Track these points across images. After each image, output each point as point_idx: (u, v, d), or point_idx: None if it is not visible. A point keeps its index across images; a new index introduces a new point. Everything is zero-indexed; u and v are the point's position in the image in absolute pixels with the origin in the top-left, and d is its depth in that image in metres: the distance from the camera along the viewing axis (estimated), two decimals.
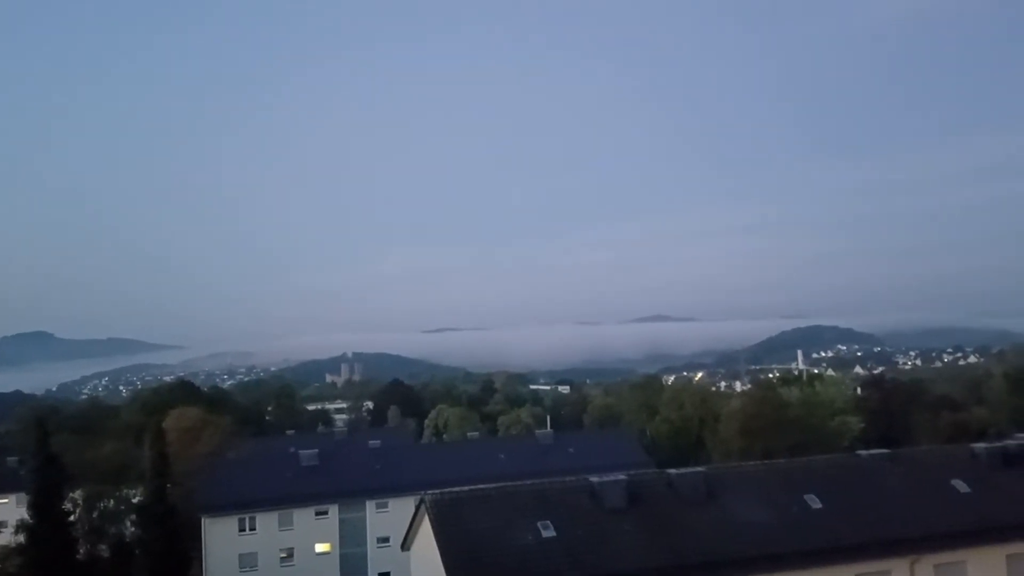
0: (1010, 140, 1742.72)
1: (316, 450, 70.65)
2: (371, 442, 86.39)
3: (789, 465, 40.95)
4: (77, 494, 67.26)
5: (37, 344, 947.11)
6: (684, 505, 34.23)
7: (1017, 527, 35.38)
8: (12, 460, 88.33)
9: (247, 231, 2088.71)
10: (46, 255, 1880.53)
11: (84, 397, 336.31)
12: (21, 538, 62.18)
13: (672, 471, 37.51)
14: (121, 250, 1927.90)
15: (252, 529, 63.18)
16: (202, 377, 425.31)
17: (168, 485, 66.52)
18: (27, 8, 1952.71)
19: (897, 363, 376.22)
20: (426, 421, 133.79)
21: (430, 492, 33.73)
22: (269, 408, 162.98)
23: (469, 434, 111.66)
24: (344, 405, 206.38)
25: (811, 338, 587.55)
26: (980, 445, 41.81)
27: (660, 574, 30.90)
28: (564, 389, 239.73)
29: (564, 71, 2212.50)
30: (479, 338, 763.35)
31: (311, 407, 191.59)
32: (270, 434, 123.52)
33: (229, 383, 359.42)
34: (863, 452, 42.95)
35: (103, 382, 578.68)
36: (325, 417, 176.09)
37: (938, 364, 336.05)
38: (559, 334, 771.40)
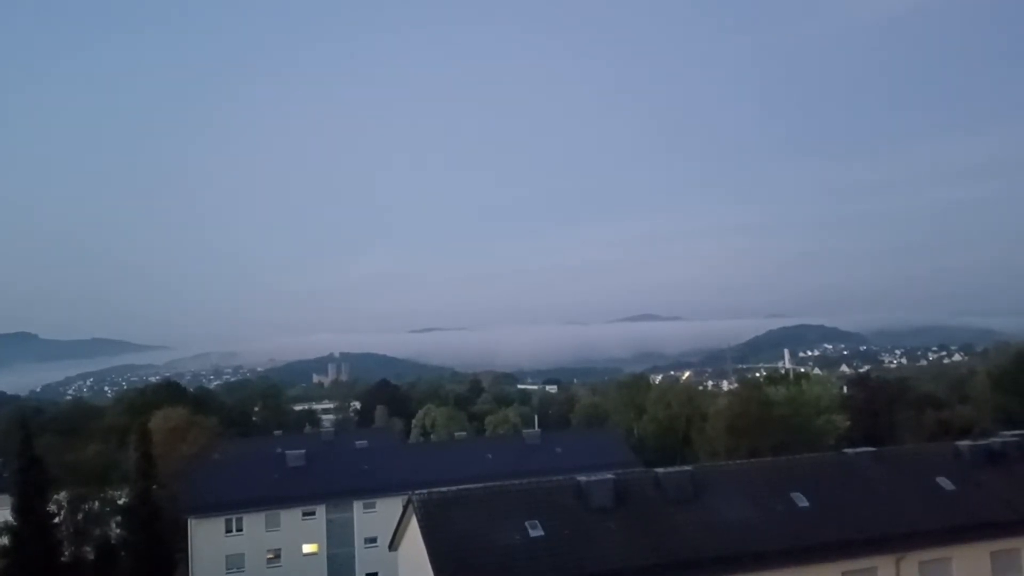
0: (992, 140, 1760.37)
1: (303, 450, 70.37)
2: (358, 442, 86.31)
3: (775, 464, 41.21)
4: (61, 496, 66.74)
5: (20, 345, 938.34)
6: (671, 504, 34.32)
7: (1001, 524, 35.72)
8: None
9: (233, 231, 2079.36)
10: (29, 255, 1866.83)
11: (68, 398, 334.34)
12: (5, 540, 61.66)
13: (659, 470, 37.64)
14: (105, 250, 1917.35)
15: (239, 530, 62.83)
16: (188, 378, 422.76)
17: (153, 486, 66.22)
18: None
19: (883, 362, 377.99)
20: (413, 421, 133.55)
21: (418, 492, 33.69)
22: (255, 409, 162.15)
23: (456, 434, 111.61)
24: (331, 405, 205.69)
25: (797, 337, 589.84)
26: (964, 443, 42.15)
27: (647, 573, 30.97)
28: (551, 388, 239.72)
29: (549, 71, 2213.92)
30: (466, 338, 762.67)
31: (298, 407, 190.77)
32: (256, 435, 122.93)
33: (215, 384, 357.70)
34: (849, 450, 43.26)
35: (87, 383, 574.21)
36: (312, 417, 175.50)
37: (923, 363, 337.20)
38: (546, 334, 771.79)
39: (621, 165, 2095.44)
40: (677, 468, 38.69)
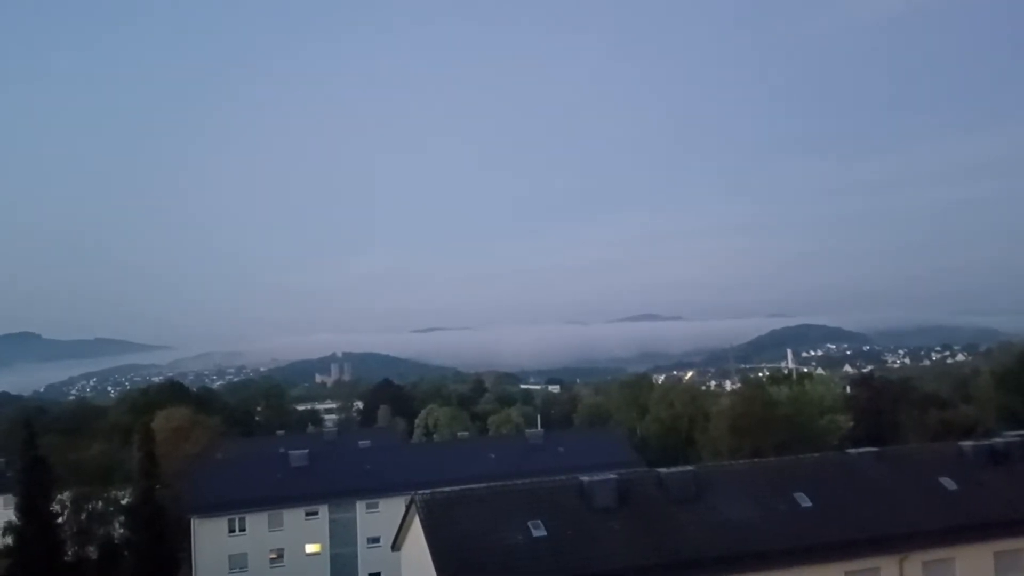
0: (995, 138, 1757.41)
1: (306, 450, 70.38)
2: (361, 442, 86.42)
3: (778, 463, 41.15)
4: (65, 495, 66.85)
5: (24, 345, 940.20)
6: (674, 504, 34.29)
7: (1004, 524, 35.62)
8: None
9: (235, 231, 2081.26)
10: (33, 255, 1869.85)
11: (72, 398, 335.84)
12: (8, 540, 61.80)
13: (662, 470, 37.57)
14: (108, 250, 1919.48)
15: (242, 530, 62.87)
16: (191, 377, 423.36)
17: (156, 486, 66.28)
18: None
19: (886, 361, 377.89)
20: (416, 421, 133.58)
21: (420, 492, 33.69)
22: (258, 408, 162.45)
23: (459, 434, 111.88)
24: (334, 405, 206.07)
25: (800, 337, 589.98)
26: (967, 443, 42.03)
27: (650, 572, 30.95)
28: (554, 388, 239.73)
29: (549, 71, 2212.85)
30: (469, 338, 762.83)
31: (300, 407, 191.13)
32: (259, 434, 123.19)
33: (218, 383, 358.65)
34: (852, 450, 43.16)
35: (91, 383, 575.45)
36: (315, 417, 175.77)
37: (926, 362, 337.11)
38: (548, 333, 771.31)
39: (623, 164, 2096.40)
40: (680, 468, 38.62)
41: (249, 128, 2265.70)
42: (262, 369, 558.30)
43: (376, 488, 64.93)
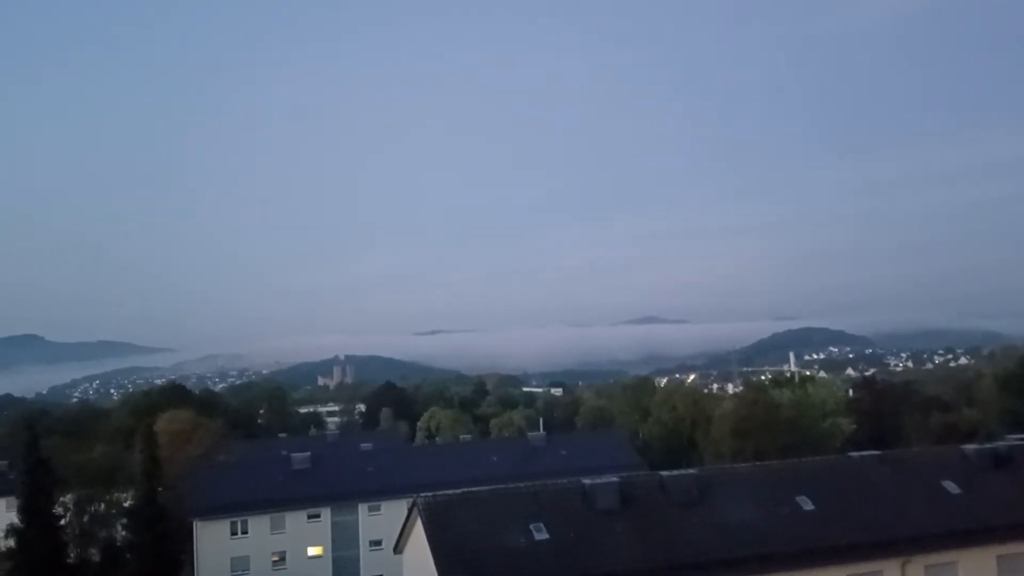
0: (1000, 140, 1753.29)
1: (308, 453, 70.56)
2: (363, 445, 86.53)
3: (781, 466, 41.10)
4: (67, 498, 66.84)
5: (27, 347, 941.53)
6: (676, 506, 34.29)
7: (1007, 528, 35.58)
8: (2, 463, 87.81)
9: (238, 232, 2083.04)
10: (35, 257, 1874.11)
11: (75, 400, 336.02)
12: (11, 542, 61.80)
13: (664, 472, 37.63)
14: (110, 252, 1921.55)
15: (244, 532, 62.99)
16: (193, 380, 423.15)
17: (159, 488, 66.29)
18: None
19: (888, 365, 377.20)
20: (418, 423, 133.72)
21: (423, 494, 33.69)
22: (261, 411, 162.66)
23: (461, 436, 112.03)
24: (336, 408, 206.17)
25: (803, 340, 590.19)
26: (970, 446, 42.05)
27: (652, 575, 30.96)
28: (556, 391, 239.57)
29: (553, 70, 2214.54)
30: (471, 340, 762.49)
31: (303, 410, 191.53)
32: (262, 437, 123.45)
33: (220, 386, 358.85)
34: (854, 453, 43.17)
35: (94, 385, 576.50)
36: (317, 420, 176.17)
37: (929, 366, 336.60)
38: (551, 336, 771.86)
39: (625, 166, 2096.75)
40: (682, 471, 38.70)
41: (253, 129, 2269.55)
42: (264, 371, 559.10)
43: (378, 490, 65.03)
